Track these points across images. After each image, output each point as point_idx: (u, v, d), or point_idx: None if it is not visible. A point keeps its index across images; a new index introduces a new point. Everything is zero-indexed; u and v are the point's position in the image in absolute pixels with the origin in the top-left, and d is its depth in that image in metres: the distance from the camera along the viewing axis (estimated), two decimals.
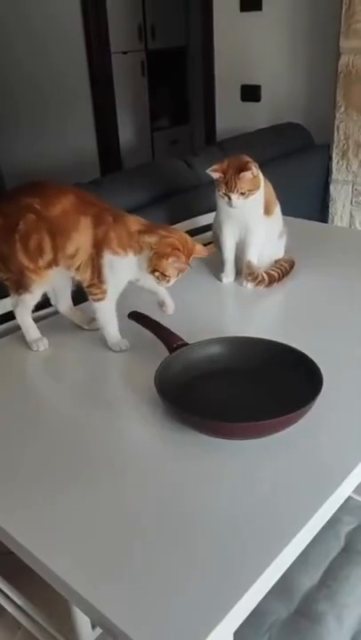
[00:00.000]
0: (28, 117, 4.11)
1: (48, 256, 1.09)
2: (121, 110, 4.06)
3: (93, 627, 1.20)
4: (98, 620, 0.65)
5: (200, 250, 1.11)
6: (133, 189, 1.95)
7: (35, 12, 3.79)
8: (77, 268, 1.10)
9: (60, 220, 1.07)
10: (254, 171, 1.29)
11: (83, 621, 1.18)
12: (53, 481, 0.82)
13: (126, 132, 4.22)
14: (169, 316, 1.18)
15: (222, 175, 1.30)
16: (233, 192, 1.29)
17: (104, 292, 1.10)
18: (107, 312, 1.12)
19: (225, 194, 1.31)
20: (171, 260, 1.05)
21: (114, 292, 1.12)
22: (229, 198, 1.31)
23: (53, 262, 1.09)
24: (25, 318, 1.16)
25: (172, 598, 0.64)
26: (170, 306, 1.17)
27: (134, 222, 1.09)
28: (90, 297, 1.12)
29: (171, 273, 1.07)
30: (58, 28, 3.78)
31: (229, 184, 1.29)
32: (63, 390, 1.07)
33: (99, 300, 1.11)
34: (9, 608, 1.36)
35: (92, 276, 1.10)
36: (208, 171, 1.31)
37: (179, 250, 1.05)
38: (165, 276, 1.07)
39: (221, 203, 1.36)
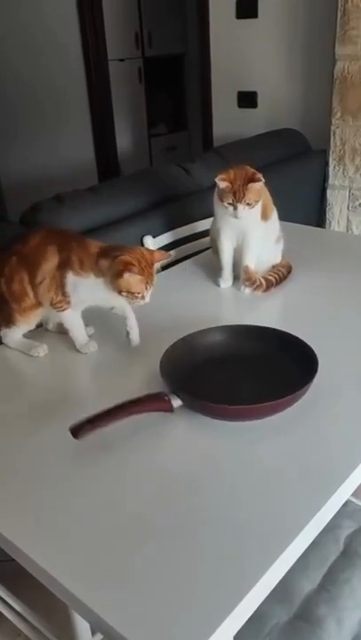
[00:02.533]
0: (26, 125, 4.12)
1: (30, 299, 1.15)
2: (118, 117, 4.07)
3: (93, 632, 1.19)
4: (97, 625, 0.65)
5: (160, 255, 1.12)
6: (131, 196, 1.96)
7: (31, 20, 3.80)
8: (54, 304, 1.14)
9: (33, 252, 1.14)
10: (262, 182, 1.30)
11: (82, 627, 1.18)
12: (51, 484, 0.82)
13: (124, 139, 4.24)
14: (167, 322, 1.19)
15: (230, 185, 1.30)
16: (240, 202, 1.30)
17: (68, 303, 1.14)
18: (72, 319, 1.16)
19: (231, 204, 1.31)
20: (126, 275, 1.05)
21: (78, 305, 1.15)
22: (235, 208, 1.31)
23: (37, 304, 1.16)
24: (14, 341, 1.21)
25: (172, 602, 0.64)
26: (134, 339, 1.17)
27: (94, 246, 1.11)
28: (55, 310, 1.15)
29: (136, 288, 1.07)
30: (55, 36, 3.80)
31: (237, 194, 1.29)
32: (57, 389, 1.07)
33: (63, 309, 1.15)
34: (8, 615, 1.36)
35: (55, 295, 1.13)
36: (216, 179, 1.30)
37: (131, 264, 1.05)
38: (133, 293, 1.07)
39: (220, 209, 1.37)
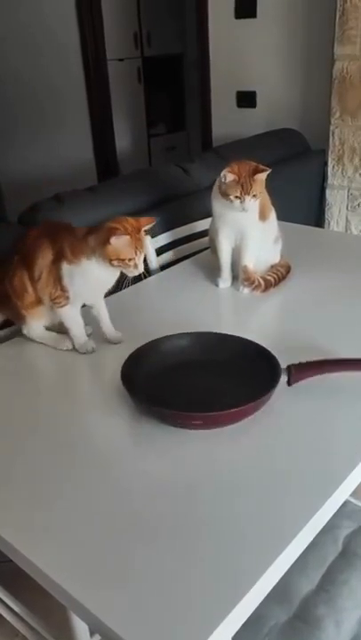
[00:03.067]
0: (25, 125, 4.12)
1: (30, 295, 1.16)
2: (117, 117, 4.07)
3: (92, 633, 1.19)
4: (96, 627, 0.65)
5: (146, 221, 1.11)
6: (130, 195, 1.96)
7: (31, 20, 3.80)
8: (53, 300, 1.15)
9: (30, 249, 1.15)
10: (267, 172, 1.31)
11: (81, 628, 1.17)
12: (48, 486, 0.82)
13: (123, 139, 4.23)
14: (165, 322, 1.18)
15: (237, 178, 1.30)
16: (248, 194, 1.30)
17: (67, 299, 1.14)
18: (71, 316, 1.16)
19: (238, 197, 1.31)
20: (113, 239, 1.05)
21: (77, 299, 1.15)
22: (242, 201, 1.31)
23: (38, 301, 1.17)
24: (37, 334, 1.21)
25: (170, 604, 0.64)
26: (108, 333, 1.19)
27: (82, 230, 1.12)
28: (54, 306, 1.16)
29: (126, 254, 1.07)
30: (54, 36, 3.80)
31: (245, 187, 1.30)
32: (46, 391, 1.07)
33: (62, 306, 1.15)
34: (6, 616, 1.35)
35: (54, 289, 1.14)
36: (223, 173, 1.31)
37: (116, 228, 1.05)
38: (123, 260, 1.07)
39: (218, 207, 1.37)
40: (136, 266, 1.08)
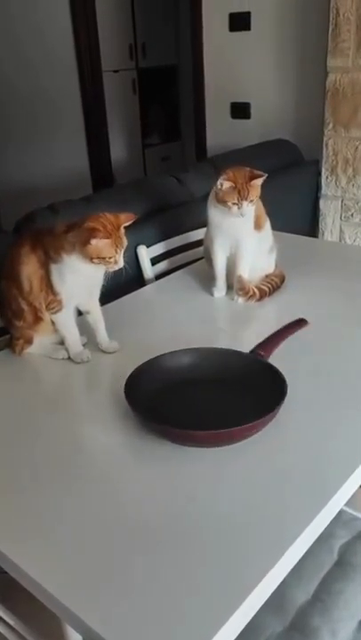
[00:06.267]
0: (21, 135, 4.13)
1: (29, 313, 1.16)
2: (112, 127, 4.09)
3: None
4: (90, 638, 0.64)
5: (126, 218, 1.11)
6: (125, 205, 1.95)
7: (26, 31, 3.83)
8: (47, 306, 1.15)
9: (11, 264, 1.14)
10: (264, 177, 1.32)
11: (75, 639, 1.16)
12: (44, 497, 0.82)
13: (118, 149, 4.25)
14: (160, 331, 1.19)
15: (233, 184, 1.31)
16: (245, 200, 1.31)
17: (60, 302, 1.14)
18: (65, 322, 1.16)
19: (236, 203, 1.32)
20: (93, 241, 1.05)
21: (69, 300, 1.15)
22: (240, 207, 1.32)
23: (38, 317, 1.16)
24: (36, 346, 1.21)
25: (166, 613, 0.64)
26: (103, 343, 1.19)
27: (61, 226, 1.11)
28: (49, 313, 1.15)
29: (107, 253, 1.07)
30: (49, 47, 3.82)
31: (242, 192, 1.31)
32: (57, 401, 1.07)
33: (57, 311, 1.15)
34: (0, 628, 1.34)
35: (47, 294, 1.13)
36: (219, 180, 1.32)
37: (96, 229, 1.05)
38: (104, 258, 1.07)
39: (214, 216, 1.38)
40: (116, 262, 1.09)
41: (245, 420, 0.87)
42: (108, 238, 1.05)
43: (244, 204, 1.32)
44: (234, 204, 1.32)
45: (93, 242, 1.05)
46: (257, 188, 1.33)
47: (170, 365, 1.04)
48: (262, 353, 1.03)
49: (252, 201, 1.33)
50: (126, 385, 0.97)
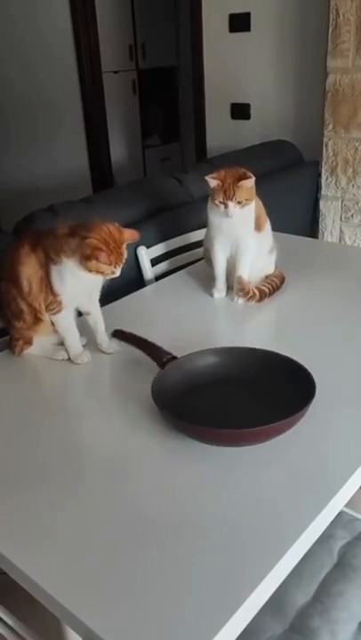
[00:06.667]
0: (20, 136, 4.13)
1: (28, 315, 1.15)
2: (112, 128, 4.09)
3: None
4: (90, 639, 0.64)
5: (130, 235, 1.11)
6: (125, 206, 1.96)
7: (26, 32, 3.83)
8: (47, 307, 1.14)
9: (10, 266, 1.14)
10: (253, 180, 1.31)
11: None
12: (44, 499, 0.82)
13: (118, 150, 4.25)
14: (160, 332, 1.19)
15: (220, 183, 1.30)
16: (231, 200, 1.30)
17: (60, 303, 1.13)
18: (65, 323, 1.16)
19: (222, 202, 1.31)
20: (94, 261, 1.06)
21: (69, 302, 1.14)
22: (226, 207, 1.31)
23: (37, 318, 1.16)
24: (36, 348, 1.21)
25: (166, 615, 0.64)
26: (103, 345, 1.19)
27: (62, 228, 1.11)
28: (49, 314, 1.15)
29: (105, 269, 1.08)
30: (49, 48, 3.82)
31: (228, 192, 1.30)
32: (57, 402, 1.07)
33: (56, 312, 1.14)
34: (1, 629, 1.34)
35: (46, 295, 1.13)
36: (207, 177, 1.32)
37: (99, 249, 1.05)
38: (102, 272, 1.08)
39: (214, 217, 1.38)
40: (113, 273, 1.10)
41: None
42: (109, 259, 1.06)
43: (230, 204, 1.30)
44: (220, 202, 1.32)
45: (94, 262, 1.06)
46: (246, 189, 1.31)
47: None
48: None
49: (239, 202, 1.31)
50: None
